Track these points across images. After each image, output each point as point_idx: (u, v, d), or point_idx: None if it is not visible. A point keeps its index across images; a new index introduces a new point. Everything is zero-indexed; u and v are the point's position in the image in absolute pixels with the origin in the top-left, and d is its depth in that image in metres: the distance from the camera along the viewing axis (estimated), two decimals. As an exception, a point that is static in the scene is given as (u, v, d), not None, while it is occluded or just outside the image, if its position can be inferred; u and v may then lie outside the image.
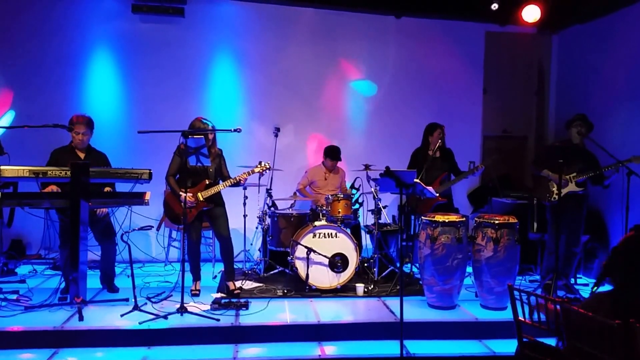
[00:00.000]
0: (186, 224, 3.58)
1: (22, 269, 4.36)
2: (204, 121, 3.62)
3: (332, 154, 4.59)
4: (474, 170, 4.15)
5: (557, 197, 3.72)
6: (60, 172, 3.31)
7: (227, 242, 3.71)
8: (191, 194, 3.54)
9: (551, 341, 2.23)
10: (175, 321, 3.16)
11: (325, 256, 3.81)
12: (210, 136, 3.62)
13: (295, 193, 4.69)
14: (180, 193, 3.49)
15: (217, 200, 3.68)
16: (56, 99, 4.71)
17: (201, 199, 3.57)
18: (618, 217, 4.19)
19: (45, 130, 3.53)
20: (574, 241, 3.92)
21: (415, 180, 3.60)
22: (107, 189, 3.57)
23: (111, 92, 4.89)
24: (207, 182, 3.63)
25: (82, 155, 3.60)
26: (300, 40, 5.13)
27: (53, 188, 3.42)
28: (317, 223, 3.92)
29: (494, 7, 4.69)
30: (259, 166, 3.68)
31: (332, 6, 5.08)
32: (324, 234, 3.86)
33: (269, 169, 3.72)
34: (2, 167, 3.27)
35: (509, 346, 3.04)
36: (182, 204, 3.44)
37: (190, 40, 4.95)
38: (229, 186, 3.64)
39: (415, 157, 4.44)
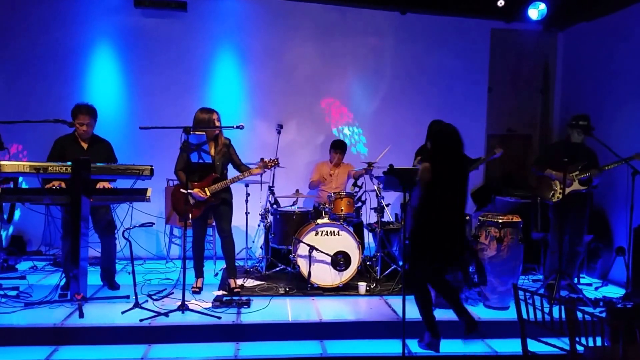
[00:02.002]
0: (192, 219, 3.55)
1: (23, 265, 4.34)
2: (207, 111, 3.56)
3: (338, 145, 4.60)
4: (490, 155, 4.09)
5: (560, 195, 3.69)
6: (61, 168, 3.28)
7: (227, 237, 3.67)
8: (199, 189, 3.51)
9: (554, 341, 2.22)
10: (176, 319, 3.14)
11: (327, 254, 3.78)
12: (217, 123, 3.56)
13: (297, 190, 4.66)
14: (185, 191, 3.45)
15: (224, 195, 3.63)
16: (57, 93, 4.67)
17: (208, 193, 3.54)
18: (622, 217, 4.17)
19: (46, 126, 3.50)
20: (577, 240, 3.89)
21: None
22: (102, 184, 3.53)
23: (113, 86, 4.86)
24: (216, 177, 3.59)
25: (85, 145, 3.58)
26: (304, 36, 5.08)
27: (56, 184, 3.39)
28: (319, 221, 3.89)
29: (500, 3, 4.64)
30: (264, 162, 3.60)
31: (337, 2, 5.03)
32: (327, 232, 3.84)
33: (276, 164, 3.65)
34: (2, 163, 3.24)
35: (512, 346, 3.02)
36: (189, 199, 3.40)
37: (192, 35, 4.91)
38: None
39: (418, 154, 4.40)
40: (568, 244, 3.90)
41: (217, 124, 3.54)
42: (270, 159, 3.61)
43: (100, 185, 3.51)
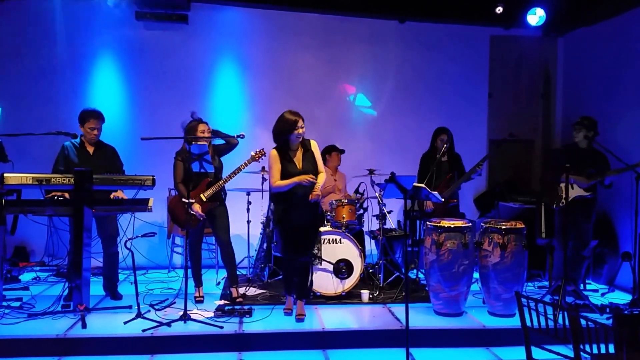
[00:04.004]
0: (191, 229, 3.55)
1: (26, 276, 4.36)
2: (198, 121, 3.58)
3: (335, 147, 4.60)
4: (475, 170, 4.07)
5: (565, 201, 3.67)
6: (64, 180, 3.31)
7: (226, 246, 3.66)
8: (198, 205, 3.50)
9: (559, 348, 2.19)
10: (179, 328, 3.13)
11: (329, 262, 3.77)
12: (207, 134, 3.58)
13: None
14: (187, 200, 3.44)
15: (219, 200, 3.65)
16: (60, 105, 4.72)
17: (204, 199, 3.55)
18: (627, 222, 4.13)
19: (49, 138, 3.54)
20: (582, 245, 3.86)
21: (420, 184, 3.55)
22: (115, 194, 3.57)
23: (115, 98, 4.91)
24: (209, 181, 3.59)
25: (91, 150, 3.61)
26: (304, 45, 5.12)
27: (58, 194, 3.42)
28: (321, 229, 3.87)
29: (499, 10, 4.66)
30: (251, 156, 3.58)
31: (336, 11, 5.08)
32: (328, 239, 3.82)
33: (264, 154, 3.62)
34: (6, 175, 3.28)
35: (516, 354, 2.99)
36: (188, 210, 3.41)
37: (193, 46, 4.96)
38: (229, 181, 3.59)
39: (424, 161, 4.41)
40: (573, 249, 3.87)
41: (207, 134, 3.55)
42: (257, 151, 3.60)
43: (113, 195, 3.53)
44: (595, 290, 4.20)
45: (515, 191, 5.07)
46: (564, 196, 3.69)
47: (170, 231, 4.56)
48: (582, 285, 4.16)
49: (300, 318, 3.32)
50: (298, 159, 3.35)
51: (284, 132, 3.28)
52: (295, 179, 3.25)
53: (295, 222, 3.29)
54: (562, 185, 3.75)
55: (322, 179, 3.34)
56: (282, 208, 3.32)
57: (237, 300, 3.63)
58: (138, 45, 4.89)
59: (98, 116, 3.57)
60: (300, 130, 3.30)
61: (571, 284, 3.64)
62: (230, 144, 3.65)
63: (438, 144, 4.30)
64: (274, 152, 3.32)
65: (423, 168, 4.39)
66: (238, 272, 3.84)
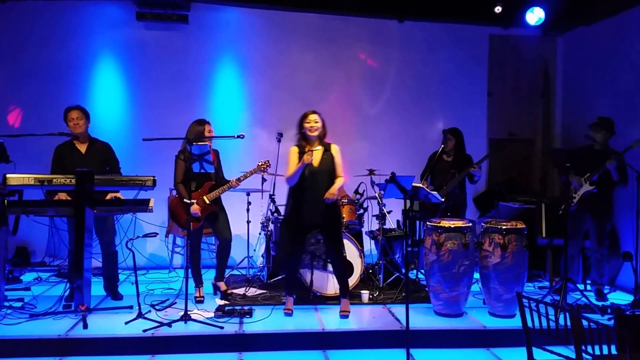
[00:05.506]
0: (191, 230, 3.56)
1: (27, 277, 4.37)
2: (202, 122, 3.60)
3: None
4: (468, 169, 4.07)
5: (574, 200, 3.70)
6: (65, 180, 3.32)
7: (227, 244, 3.70)
8: (197, 206, 3.51)
9: (560, 349, 2.19)
10: (179, 329, 3.14)
11: (329, 262, 3.77)
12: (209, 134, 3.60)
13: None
14: (189, 201, 3.45)
15: (219, 205, 3.67)
16: (61, 106, 4.69)
17: (207, 202, 3.55)
18: (628, 221, 4.12)
19: (50, 138, 3.55)
20: (597, 245, 3.89)
21: (418, 184, 3.55)
22: (113, 195, 3.57)
23: (115, 99, 4.91)
24: (212, 184, 3.60)
25: (83, 148, 3.61)
26: (304, 45, 5.12)
27: (62, 196, 3.42)
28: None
29: (498, 9, 4.65)
30: (257, 166, 3.63)
31: (335, 11, 5.08)
32: (329, 240, 3.82)
33: (269, 166, 3.68)
34: (8, 175, 3.29)
35: (517, 354, 2.99)
36: (188, 211, 3.42)
37: (194, 46, 4.97)
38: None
39: (428, 160, 4.41)
40: (592, 249, 3.95)
41: (209, 135, 3.57)
42: (263, 162, 3.63)
43: (110, 196, 3.54)
44: (597, 290, 4.20)
45: (515, 191, 5.06)
46: (573, 196, 3.71)
47: (170, 231, 4.56)
48: (582, 286, 4.16)
49: (344, 314, 3.41)
50: (315, 157, 3.39)
51: (299, 125, 3.44)
52: (299, 163, 3.32)
53: (305, 220, 3.33)
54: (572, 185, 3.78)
55: (340, 182, 3.40)
56: (293, 204, 3.39)
57: (228, 292, 3.65)
58: (139, 46, 4.90)
59: (77, 108, 3.60)
60: (313, 124, 3.37)
61: (595, 283, 3.86)
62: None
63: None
64: (294, 148, 3.44)
65: (426, 166, 4.39)
66: (237, 272, 3.85)
